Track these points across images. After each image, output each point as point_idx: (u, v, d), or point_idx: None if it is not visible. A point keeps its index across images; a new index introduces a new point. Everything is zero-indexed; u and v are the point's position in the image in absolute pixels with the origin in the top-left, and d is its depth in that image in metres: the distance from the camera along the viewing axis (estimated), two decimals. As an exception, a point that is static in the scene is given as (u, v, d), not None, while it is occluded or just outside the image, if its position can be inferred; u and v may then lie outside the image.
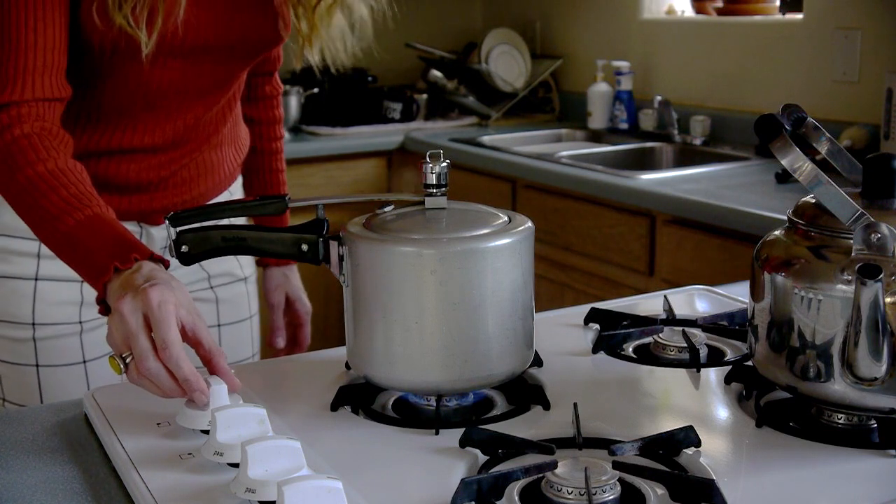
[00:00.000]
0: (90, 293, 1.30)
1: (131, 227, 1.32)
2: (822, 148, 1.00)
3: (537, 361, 1.08)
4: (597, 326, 1.21)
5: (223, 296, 1.46)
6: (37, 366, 1.30)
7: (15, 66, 1.10)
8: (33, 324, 1.29)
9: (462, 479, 0.79)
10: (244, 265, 1.50)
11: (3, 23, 1.10)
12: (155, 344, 0.93)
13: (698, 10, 3.23)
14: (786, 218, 0.96)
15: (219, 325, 1.46)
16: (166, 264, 1.04)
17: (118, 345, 0.95)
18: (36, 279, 1.28)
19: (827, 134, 1.00)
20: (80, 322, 1.31)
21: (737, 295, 1.32)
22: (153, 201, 1.33)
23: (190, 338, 0.97)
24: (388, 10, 1.34)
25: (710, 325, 1.19)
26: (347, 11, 1.31)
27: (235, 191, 1.48)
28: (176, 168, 1.33)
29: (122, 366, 0.94)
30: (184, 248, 1.03)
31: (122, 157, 1.28)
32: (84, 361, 1.32)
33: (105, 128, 1.26)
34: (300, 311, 1.59)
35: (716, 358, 1.13)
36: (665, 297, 1.28)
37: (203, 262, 1.41)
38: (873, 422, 0.93)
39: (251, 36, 1.27)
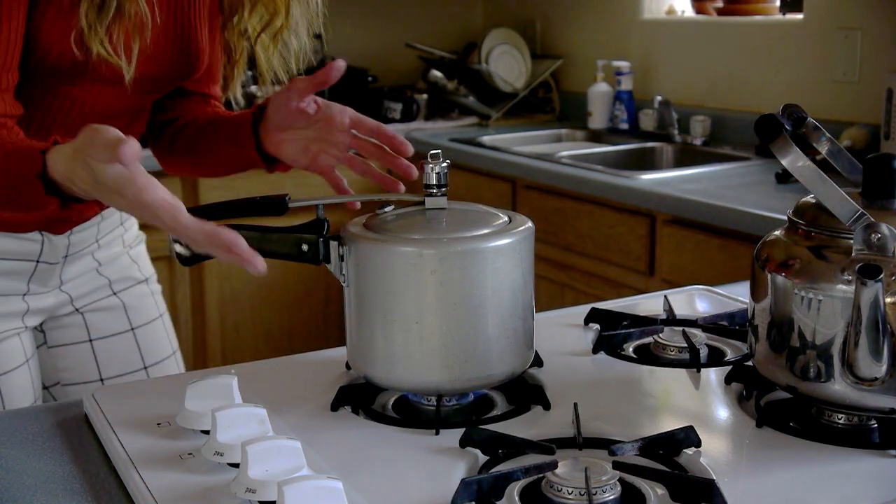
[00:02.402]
0: None
1: (33, 235, 1.29)
2: (823, 148, 1.00)
3: (537, 361, 1.07)
4: (597, 326, 1.21)
5: (128, 300, 1.43)
6: None
7: None
8: None
9: (462, 479, 0.79)
10: (143, 267, 1.47)
11: None
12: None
13: (698, 10, 3.23)
14: (786, 218, 0.96)
15: (132, 329, 1.43)
16: None
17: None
18: None
19: (827, 134, 1.00)
20: None
21: (737, 295, 1.32)
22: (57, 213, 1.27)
23: None
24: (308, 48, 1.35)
25: (711, 325, 1.19)
26: (291, 38, 1.33)
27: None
28: None
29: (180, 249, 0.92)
30: (184, 249, 1.03)
31: None
32: None
33: None
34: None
35: (716, 358, 1.13)
36: (665, 297, 1.28)
37: (101, 269, 1.39)
38: (873, 422, 0.93)
39: (174, 69, 1.27)
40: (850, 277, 0.85)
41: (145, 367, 1.44)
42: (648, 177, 2.49)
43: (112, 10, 1.11)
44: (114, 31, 1.12)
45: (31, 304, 1.33)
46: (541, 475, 0.81)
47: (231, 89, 1.35)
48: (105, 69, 1.16)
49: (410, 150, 1.19)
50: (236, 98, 1.35)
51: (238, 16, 1.31)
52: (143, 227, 1.52)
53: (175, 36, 1.25)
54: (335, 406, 0.99)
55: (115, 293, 1.42)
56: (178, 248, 1.02)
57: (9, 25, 1.09)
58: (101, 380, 1.41)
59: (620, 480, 0.80)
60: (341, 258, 0.99)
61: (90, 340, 1.41)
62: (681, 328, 1.16)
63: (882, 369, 0.84)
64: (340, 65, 1.13)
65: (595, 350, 1.14)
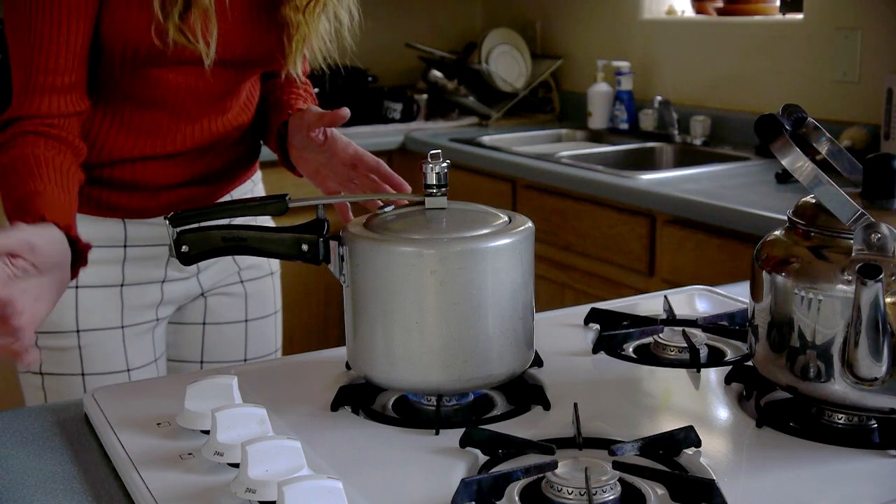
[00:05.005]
0: (130, 297, 1.34)
1: (159, 220, 1.33)
2: (823, 148, 1.00)
3: (537, 361, 1.07)
4: (597, 326, 1.21)
5: (251, 290, 1.47)
6: (82, 374, 1.31)
7: (34, 84, 1.14)
8: (77, 331, 1.30)
9: (462, 479, 0.79)
10: (272, 260, 1.50)
11: (26, 38, 1.13)
12: None
13: (698, 10, 3.23)
14: (786, 218, 0.96)
15: (245, 321, 1.47)
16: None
17: None
18: (77, 287, 1.29)
19: (827, 134, 1.00)
20: (122, 327, 1.34)
21: (737, 295, 1.32)
22: (181, 195, 1.35)
23: None
24: (359, 24, 1.39)
25: (711, 325, 1.19)
26: (332, 15, 1.35)
27: (258, 180, 1.50)
28: (198, 169, 1.35)
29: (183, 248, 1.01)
30: (184, 248, 1.03)
31: (152, 161, 1.30)
32: (128, 370, 1.34)
33: (128, 135, 1.27)
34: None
35: (716, 358, 1.13)
36: (665, 297, 1.28)
37: (235, 256, 1.42)
38: (873, 422, 0.93)
39: (258, 49, 1.30)
40: (850, 277, 0.85)
41: (245, 360, 1.47)
42: (648, 177, 2.49)
43: None
44: (189, 17, 1.16)
45: (166, 293, 1.37)
46: (541, 475, 0.81)
47: (290, 65, 1.34)
48: (187, 53, 1.19)
49: (408, 188, 1.26)
50: (298, 75, 1.37)
51: None
52: (274, 217, 1.53)
53: (254, 17, 1.26)
54: (335, 406, 0.99)
55: (241, 281, 1.46)
56: (182, 248, 1.02)
57: (70, 29, 1.14)
58: (201, 362, 1.45)
59: (620, 480, 0.80)
60: (341, 258, 0.99)
61: (203, 323, 1.44)
62: (681, 328, 1.16)
63: (882, 369, 0.84)
64: (346, 112, 1.24)
65: (595, 350, 1.14)
